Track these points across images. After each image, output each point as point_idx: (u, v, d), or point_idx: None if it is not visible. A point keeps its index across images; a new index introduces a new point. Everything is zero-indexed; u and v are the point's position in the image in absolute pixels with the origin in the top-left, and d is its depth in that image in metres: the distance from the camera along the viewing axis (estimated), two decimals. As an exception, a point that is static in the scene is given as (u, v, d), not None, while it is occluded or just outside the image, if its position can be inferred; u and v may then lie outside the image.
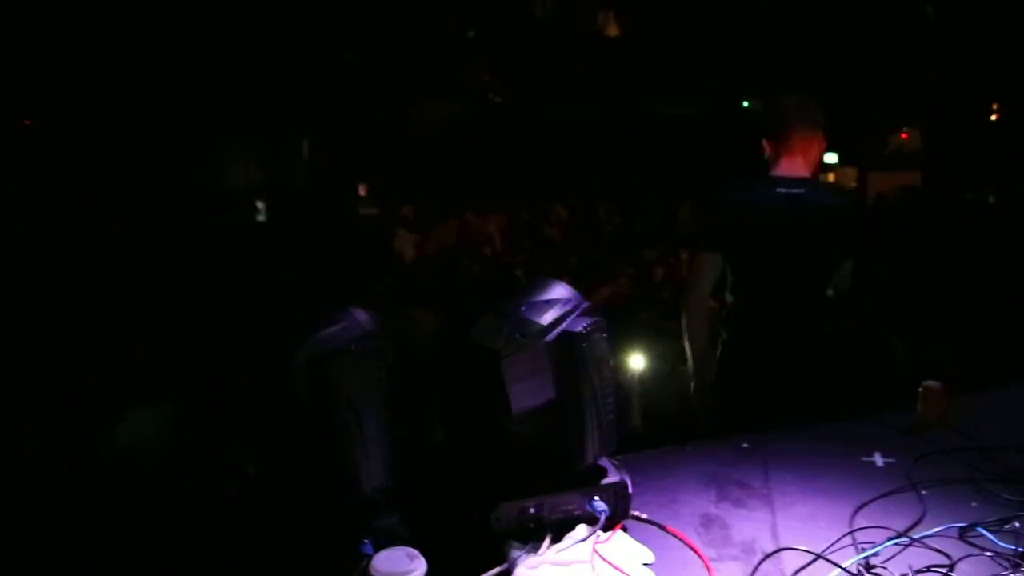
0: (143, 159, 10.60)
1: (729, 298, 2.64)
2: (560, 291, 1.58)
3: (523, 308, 1.53)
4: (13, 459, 3.46)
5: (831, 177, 15.31)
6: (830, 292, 2.62)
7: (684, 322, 2.68)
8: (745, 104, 12.74)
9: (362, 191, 11.90)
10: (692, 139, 12.41)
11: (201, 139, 11.30)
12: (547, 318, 1.53)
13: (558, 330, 1.52)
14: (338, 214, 11.37)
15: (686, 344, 2.70)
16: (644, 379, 4.35)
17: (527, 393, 1.52)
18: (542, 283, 1.60)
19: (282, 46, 10.02)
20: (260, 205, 12.23)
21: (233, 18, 9.32)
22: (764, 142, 2.65)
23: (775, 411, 2.26)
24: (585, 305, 1.56)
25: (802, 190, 2.55)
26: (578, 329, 1.52)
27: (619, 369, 4.30)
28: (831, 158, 15.05)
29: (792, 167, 2.58)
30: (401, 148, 11.94)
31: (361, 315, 1.48)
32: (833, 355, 2.65)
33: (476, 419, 1.64)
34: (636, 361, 4.33)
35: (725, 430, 2.12)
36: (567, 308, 1.54)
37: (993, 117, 12.66)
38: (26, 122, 11.03)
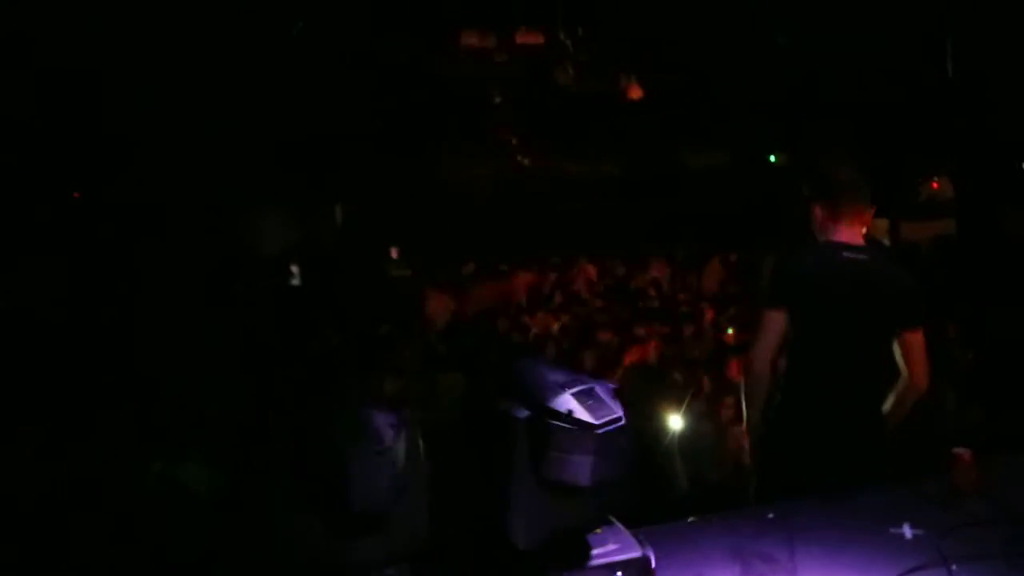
0: (174, 220, 10.96)
1: (783, 362, 2.63)
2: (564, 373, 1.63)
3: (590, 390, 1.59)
4: (13, 459, 3.54)
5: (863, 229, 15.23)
6: (903, 369, 2.59)
7: (744, 380, 2.67)
8: (772, 159, 12.81)
9: (394, 253, 12.10)
10: (717, 193, 12.50)
11: (235, 204, 11.63)
12: (612, 403, 1.59)
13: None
14: (370, 276, 11.57)
15: (743, 402, 2.69)
16: (686, 441, 4.28)
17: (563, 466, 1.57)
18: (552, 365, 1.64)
19: (312, 111, 10.37)
20: (295, 269, 12.49)
21: (266, 83, 9.69)
22: (817, 208, 2.68)
23: (820, 478, 2.25)
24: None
25: (867, 256, 2.58)
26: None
27: (659, 432, 4.25)
28: (862, 209, 15.01)
29: (852, 234, 2.62)
30: (431, 210, 12.17)
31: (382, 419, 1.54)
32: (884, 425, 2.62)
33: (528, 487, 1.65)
34: (675, 422, 4.27)
35: (769, 495, 2.10)
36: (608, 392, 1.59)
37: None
38: (76, 195, 11.51)
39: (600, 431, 1.54)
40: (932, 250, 12.02)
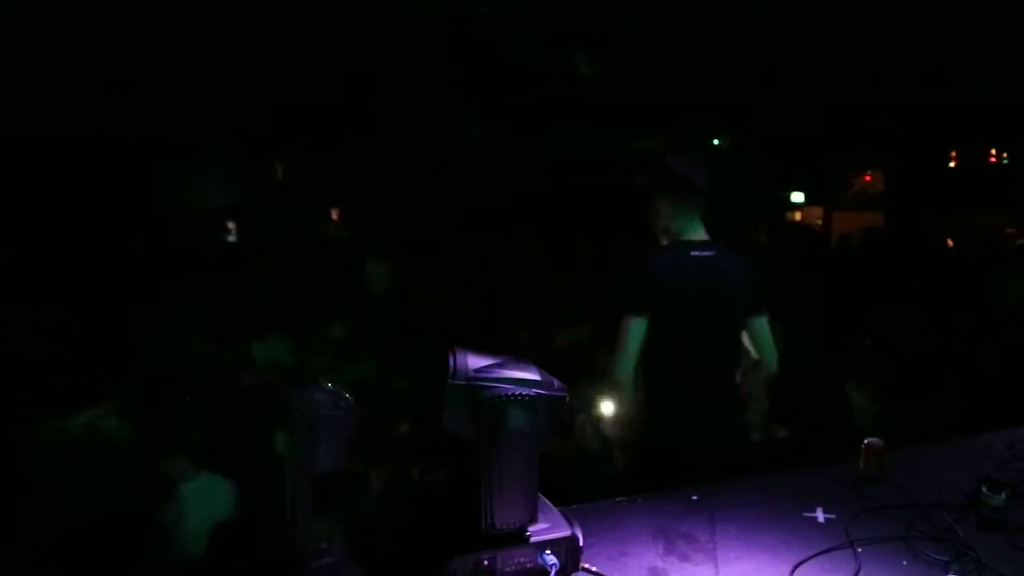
0: (116, 174, 10.60)
1: (649, 357, 2.72)
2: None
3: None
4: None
5: (798, 216, 15.68)
6: (756, 353, 2.78)
7: (611, 381, 2.75)
8: (715, 142, 13.03)
9: (334, 215, 11.94)
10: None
11: (174, 158, 11.28)
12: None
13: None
14: (309, 236, 11.39)
15: (611, 401, 2.80)
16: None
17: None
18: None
19: (260, 71, 10.08)
20: (231, 226, 12.21)
21: (210, 41, 9.37)
22: (661, 203, 2.77)
23: (700, 454, 2.44)
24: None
25: (713, 252, 2.70)
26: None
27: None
28: (798, 197, 15.43)
29: (697, 230, 2.74)
30: (376, 177, 12.01)
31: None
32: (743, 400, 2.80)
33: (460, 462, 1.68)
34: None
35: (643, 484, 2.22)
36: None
37: (952, 164, 13.08)
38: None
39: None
40: (861, 241, 12.43)
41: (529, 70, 9.69)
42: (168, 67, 9.13)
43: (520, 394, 1.59)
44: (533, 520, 1.63)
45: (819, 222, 15.26)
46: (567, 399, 1.66)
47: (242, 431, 1.42)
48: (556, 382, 1.66)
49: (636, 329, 2.65)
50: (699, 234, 2.74)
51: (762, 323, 2.76)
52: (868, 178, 14.48)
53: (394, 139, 11.70)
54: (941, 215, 12.09)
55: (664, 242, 2.80)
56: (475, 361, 1.65)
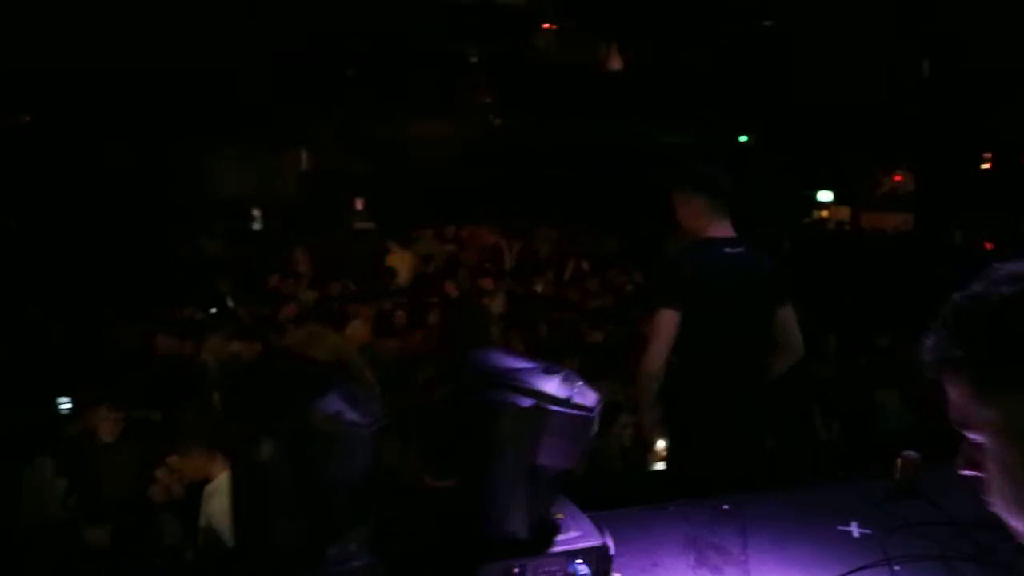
0: (139, 166, 10.68)
1: (675, 358, 2.74)
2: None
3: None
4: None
5: (825, 214, 15.50)
6: (782, 339, 2.83)
7: (639, 380, 2.76)
8: (742, 139, 12.89)
9: (359, 205, 11.95)
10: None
11: (198, 148, 11.34)
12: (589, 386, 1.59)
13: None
14: (333, 226, 11.43)
15: (640, 394, 2.81)
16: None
17: (555, 453, 1.55)
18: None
19: (284, 56, 10.09)
20: (256, 213, 12.27)
21: (236, 24, 9.40)
22: (695, 202, 2.80)
23: (734, 459, 2.43)
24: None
25: (742, 249, 2.75)
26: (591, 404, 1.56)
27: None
28: (826, 196, 15.23)
29: (726, 228, 2.78)
30: (398, 164, 12.01)
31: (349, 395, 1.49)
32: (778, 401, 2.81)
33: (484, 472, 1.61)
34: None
35: (682, 487, 2.20)
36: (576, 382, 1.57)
37: (985, 165, 12.84)
38: (26, 117, 11.06)
39: (593, 414, 1.56)
40: (888, 242, 12.24)
41: (553, 61, 9.64)
42: (190, 50, 9.14)
43: (514, 404, 1.50)
44: (511, 534, 1.56)
45: (847, 221, 15.05)
46: (594, 419, 1.59)
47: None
48: (584, 400, 1.56)
49: (670, 321, 2.68)
50: (727, 232, 2.78)
51: (787, 312, 2.81)
52: (898, 178, 14.26)
53: (417, 127, 11.68)
54: (974, 216, 11.88)
55: (692, 238, 2.84)
56: (498, 361, 1.59)
